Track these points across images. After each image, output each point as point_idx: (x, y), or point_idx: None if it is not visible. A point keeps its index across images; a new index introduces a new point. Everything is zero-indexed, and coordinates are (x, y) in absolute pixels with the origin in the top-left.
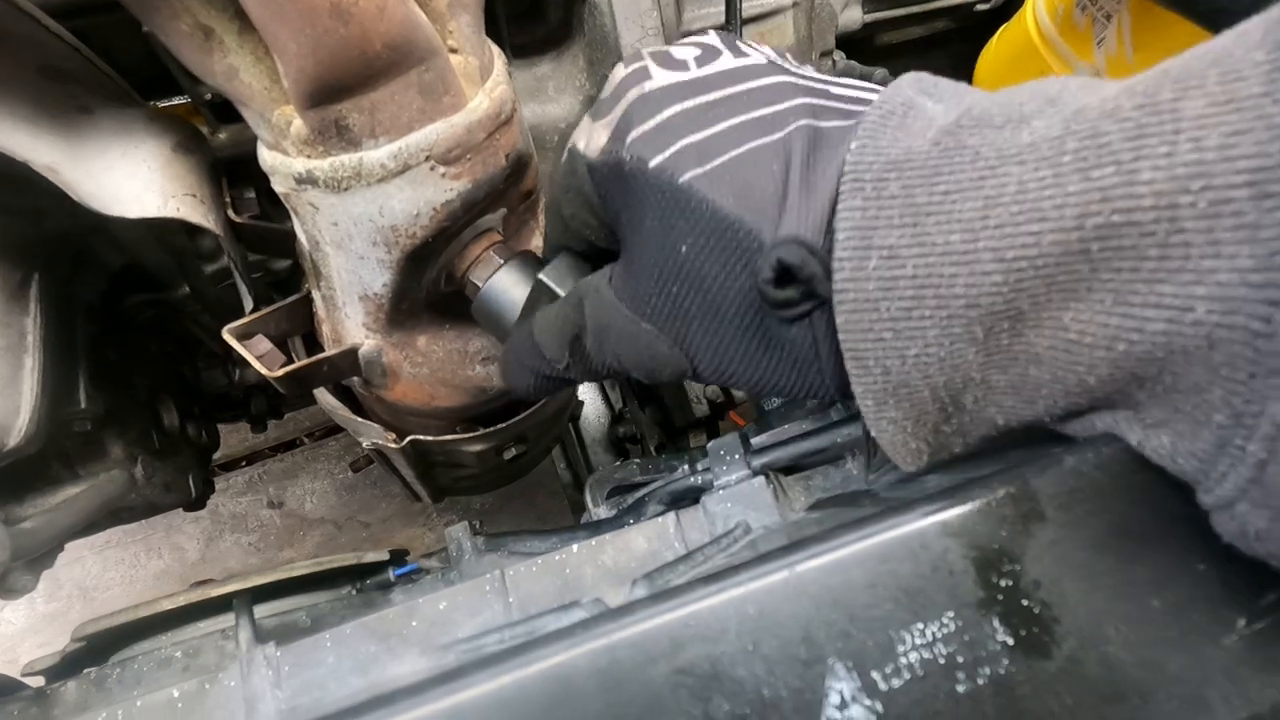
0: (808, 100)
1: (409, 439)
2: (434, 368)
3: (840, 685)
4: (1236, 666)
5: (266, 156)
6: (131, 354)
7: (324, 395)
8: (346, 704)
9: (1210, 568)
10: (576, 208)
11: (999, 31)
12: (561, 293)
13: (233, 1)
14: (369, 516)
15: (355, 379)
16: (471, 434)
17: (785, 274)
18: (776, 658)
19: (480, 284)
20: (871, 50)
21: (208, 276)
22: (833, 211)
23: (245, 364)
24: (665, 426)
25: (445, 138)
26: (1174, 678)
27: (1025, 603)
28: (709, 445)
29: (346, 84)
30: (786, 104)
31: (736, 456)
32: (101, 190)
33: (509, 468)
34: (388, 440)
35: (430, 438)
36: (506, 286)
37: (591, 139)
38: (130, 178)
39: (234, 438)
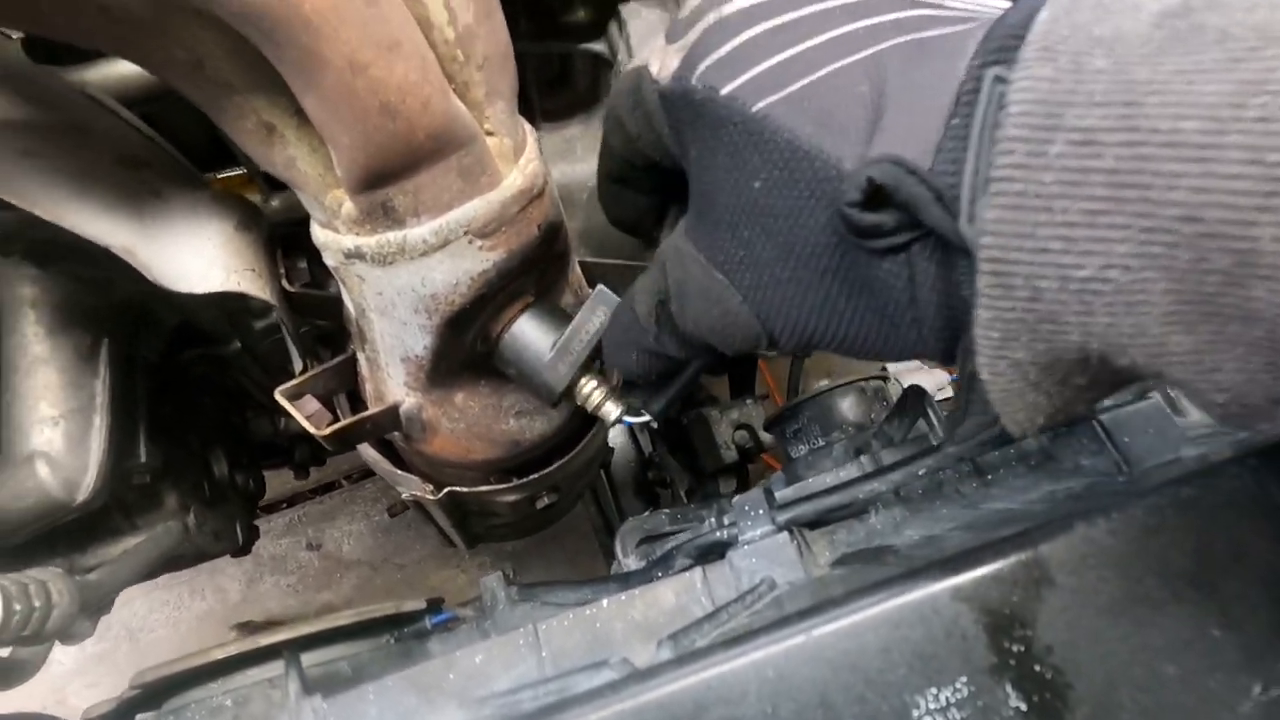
0: (906, 13)
1: (446, 490)
2: (470, 422)
3: None
4: None
5: (319, 234)
6: (185, 407)
7: (366, 448)
8: None
9: (1225, 633)
10: (642, 128)
11: None
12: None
13: (292, 101)
14: (404, 559)
15: (396, 433)
16: (506, 485)
17: (876, 197)
18: None
19: (502, 334)
20: None
21: (257, 332)
22: (947, 127)
23: (287, 413)
24: (694, 471)
25: (482, 214)
26: None
27: (1037, 668)
28: (734, 500)
29: (393, 171)
30: (878, 18)
31: (761, 512)
32: (172, 269)
33: (541, 516)
34: (425, 492)
35: (466, 489)
36: (526, 330)
37: (664, 63)
38: (197, 256)
39: (275, 480)
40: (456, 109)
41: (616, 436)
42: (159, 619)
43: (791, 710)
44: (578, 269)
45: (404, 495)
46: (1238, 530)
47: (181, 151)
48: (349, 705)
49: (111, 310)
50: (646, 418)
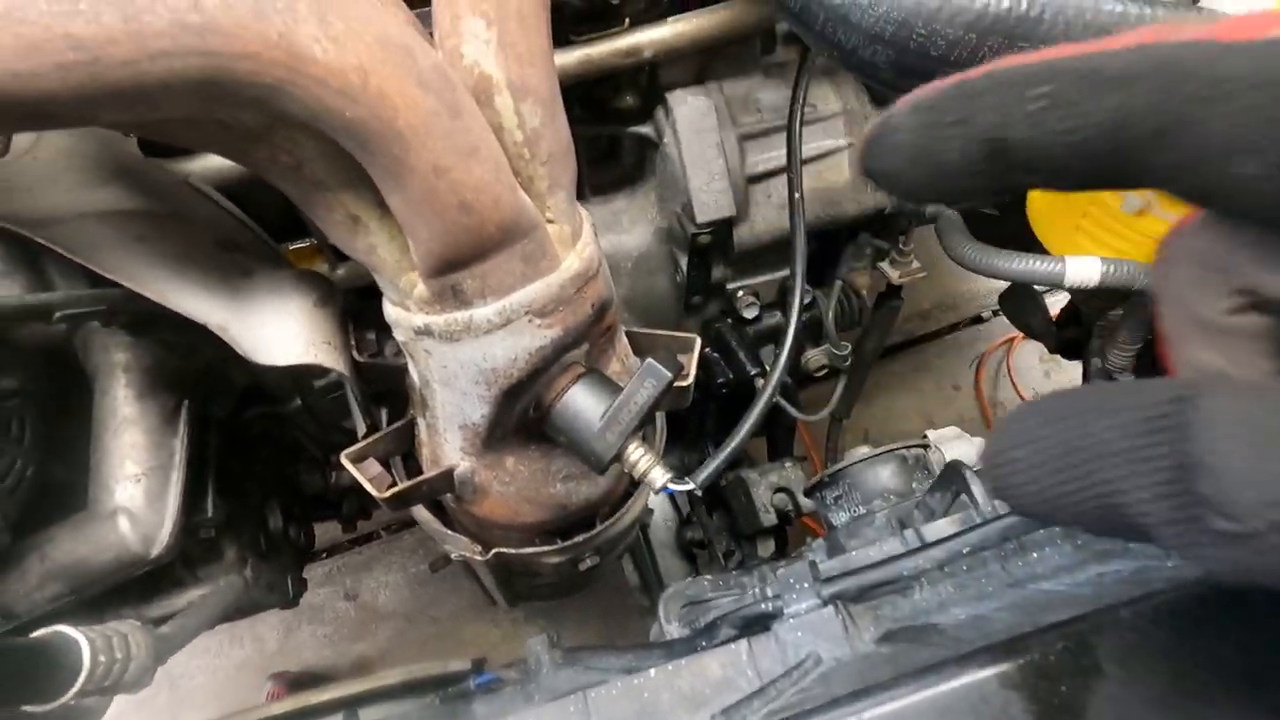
0: None
1: (494, 551)
2: (520, 486)
3: None
4: None
5: (391, 311)
6: (247, 462)
7: (419, 509)
8: None
9: None
10: None
11: None
12: None
13: (376, 196)
14: (439, 611)
15: (448, 494)
16: (551, 547)
17: None
18: None
19: (558, 401)
20: None
21: (317, 391)
22: None
23: (340, 468)
24: (733, 533)
25: (542, 296)
26: None
27: None
28: (779, 571)
29: (465, 259)
30: None
31: (806, 585)
32: (259, 344)
33: (583, 577)
34: (474, 553)
35: (513, 550)
36: (578, 399)
37: None
38: (281, 331)
39: (318, 530)
40: (523, 202)
41: (655, 498)
42: (198, 665)
43: None
44: (624, 339)
45: (452, 555)
46: None
47: (257, 221)
48: None
49: (193, 374)
50: (690, 486)
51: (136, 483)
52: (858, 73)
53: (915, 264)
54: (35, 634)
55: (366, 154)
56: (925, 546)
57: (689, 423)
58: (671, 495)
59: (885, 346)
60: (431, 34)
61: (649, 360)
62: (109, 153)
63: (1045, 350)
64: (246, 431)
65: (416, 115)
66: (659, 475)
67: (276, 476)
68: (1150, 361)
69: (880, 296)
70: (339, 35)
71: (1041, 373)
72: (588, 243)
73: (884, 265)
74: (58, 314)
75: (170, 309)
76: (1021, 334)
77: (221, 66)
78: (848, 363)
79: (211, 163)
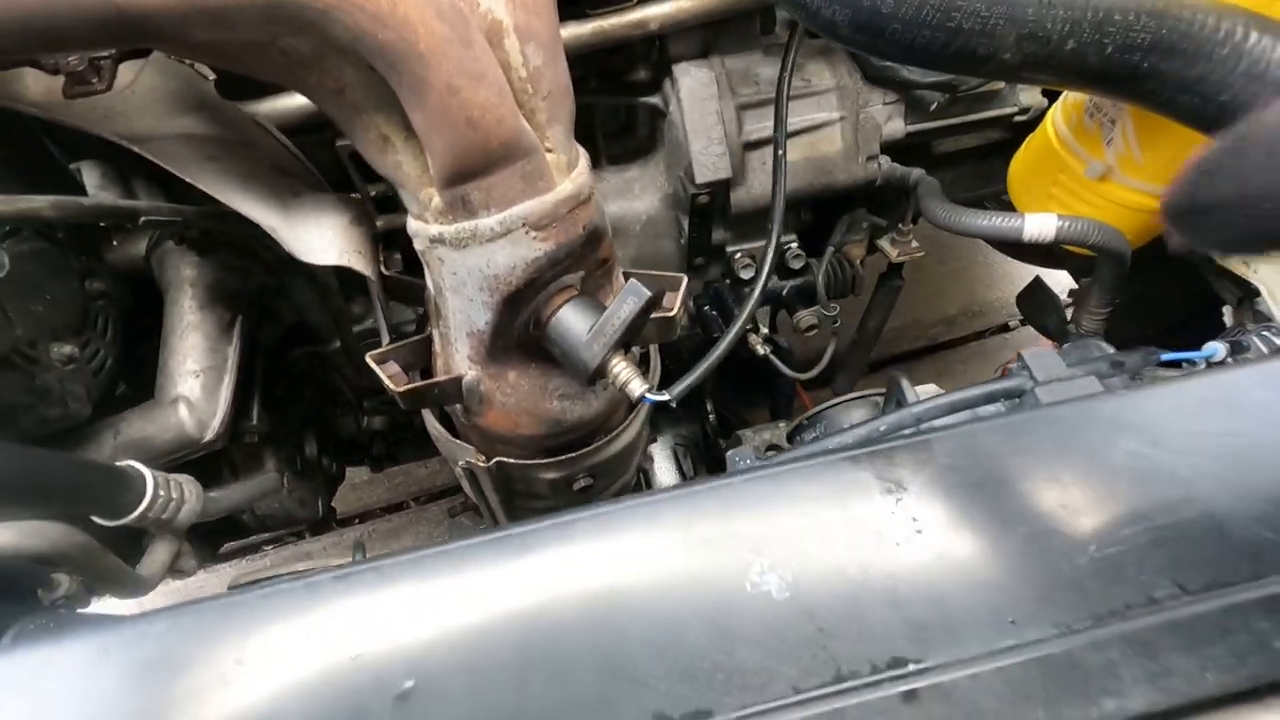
0: None
1: (496, 460)
2: (520, 398)
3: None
4: (1084, 580)
5: (412, 224)
6: (290, 391)
7: (431, 422)
8: None
9: (1067, 511)
10: None
11: (1027, 140)
12: None
13: (403, 120)
14: None
15: (457, 407)
16: (547, 460)
17: None
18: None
19: (550, 318)
20: (929, 158)
21: (355, 335)
22: None
23: (371, 413)
24: None
25: (537, 211)
26: (1026, 579)
27: (913, 519)
28: (729, 453)
29: (472, 171)
30: None
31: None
32: (304, 246)
33: (579, 498)
34: (478, 460)
35: (512, 460)
36: (569, 316)
37: None
38: (321, 239)
39: (351, 496)
40: (523, 127)
41: (659, 458)
42: None
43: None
44: (620, 277)
45: (459, 467)
46: (1089, 441)
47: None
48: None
49: (246, 295)
50: (666, 397)
51: (195, 377)
52: (822, 30)
53: (914, 244)
54: (111, 463)
55: (394, 73)
56: (854, 426)
57: (700, 387)
58: (677, 460)
59: (913, 351)
60: None
61: (631, 280)
62: (190, 90)
63: None
64: (291, 368)
65: (434, 40)
66: (638, 385)
67: (315, 413)
68: (1120, 324)
69: (881, 276)
70: None
71: None
72: (582, 172)
73: (883, 243)
74: (142, 219)
75: (228, 225)
76: (1048, 342)
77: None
78: (836, 323)
79: (275, 105)
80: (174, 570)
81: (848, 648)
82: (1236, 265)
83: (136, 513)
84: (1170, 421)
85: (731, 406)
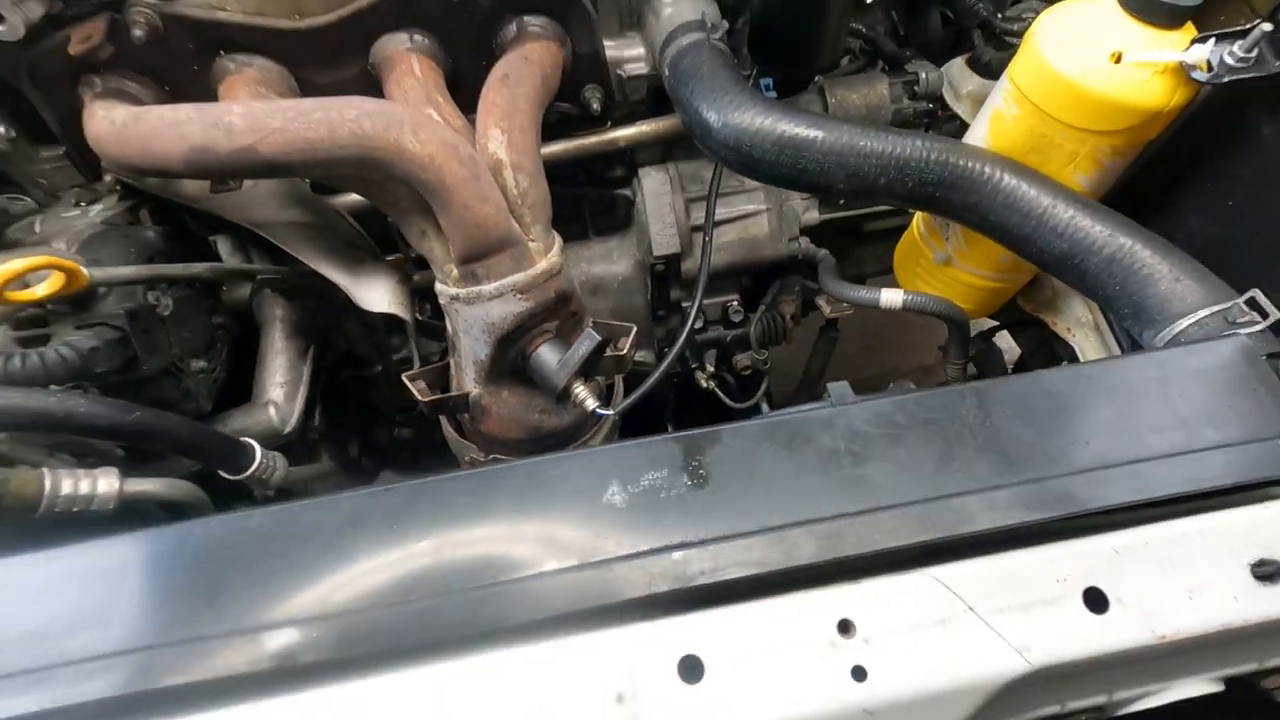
0: None
1: (491, 457)
2: (510, 411)
3: (614, 488)
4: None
5: (438, 287)
6: (339, 405)
7: (446, 428)
8: None
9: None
10: None
11: (905, 232)
12: None
13: (434, 220)
14: None
15: (465, 415)
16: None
17: None
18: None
19: (532, 353)
20: (860, 234)
21: (394, 361)
22: None
23: (399, 425)
24: None
25: (521, 281)
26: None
27: (701, 470)
28: None
29: (478, 255)
30: None
31: None
32: (365, 298)
33: None
34: (479, 456)
35: (504, 456)
36: (544, 352)
37: None
38: (377, 294)
39: None
40: (513, 227)
41: None
42: None
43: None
44: (590, 325)
45: (465, 460)
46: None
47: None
48: None
49: (315, 330)
50: (610, 412)
51: (281, 387)
52: (719, 162)
53: (845, 305)
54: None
55: (430, 195)
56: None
57: (651, 414)
58: None
59: None
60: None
61: (588, 329)
62: (293, 189)
63: None
64: (341, 386)
65: (455, 178)
66: (592, 402)
67: (357, 423)
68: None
69: (820, 329)
70: (423, 140)
71: None
72: (555, 254)
73: (820, 301)
74: (258, 276)
75: (313, 279)
76: None
77: (367, 153)
78: (766, 365)
79: (347, 199)
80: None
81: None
82: (1061, 330)
83: (249, 471)
84: (858, 422)
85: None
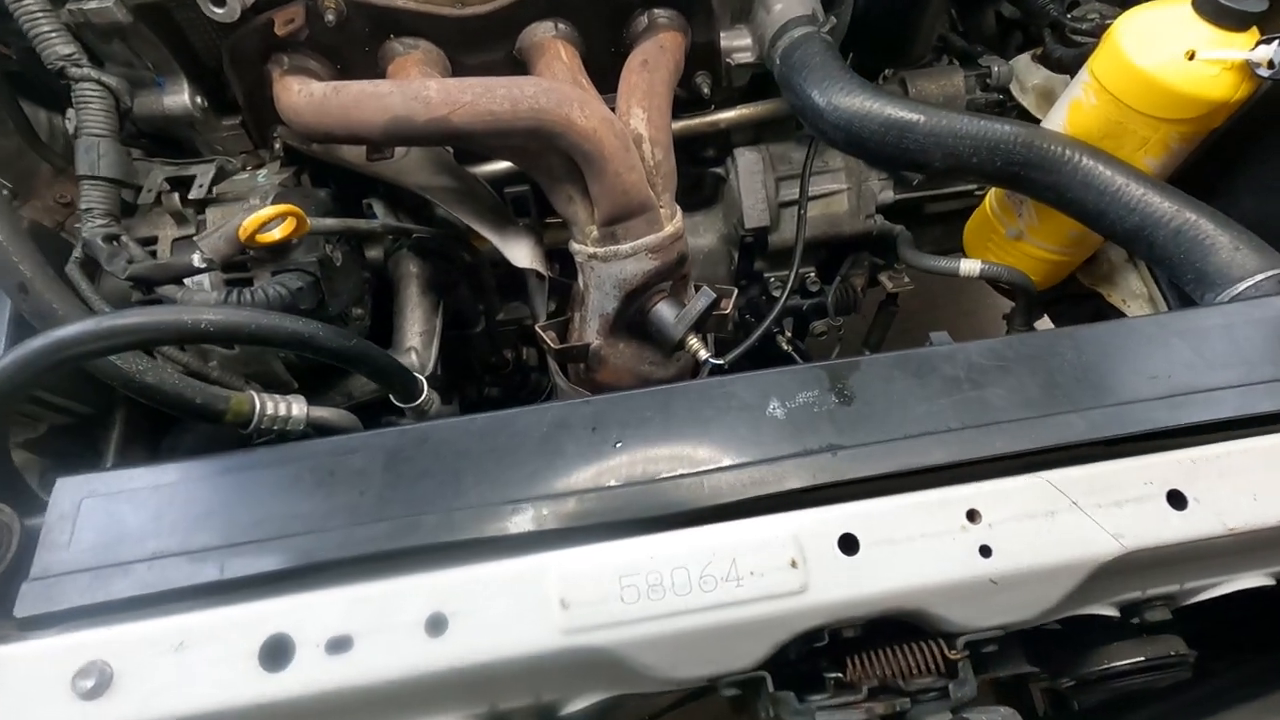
0: None
1: None
2: (625, 361)
3: (774, 404)
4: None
5: (575, 246)
6: (448, 358)
7: (559, 377)
8: None
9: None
10: None
11: (976, 209)
12: None
13: (582, 185)
14: None
15: (582, 364)
16: None
17: None
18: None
19: (653, 309)
20: (922, 216)
21: (496, 322)
22: None
23: (489, 384)
24: None
25: (654, 242)
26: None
27: (846, 391)
28: None
29: (620, 218)
30: None
31: None
32: (512, 254)
33: None
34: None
35: None
36: (663, 307)
37: None
38: (520, 251)
39: None
40: (650, 194)
41: None
42: None
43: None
44: (693, 287)
45: None
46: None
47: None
48: None
49: (447, 284)
50: (722, 361)
51: (419, 336)
52: (827, 143)
53: (906, 279)
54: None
55: (587, 165)
56: None
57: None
58: None
59: None
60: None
61: (704, 287)
62: (439, 157)
63: None
64: (445, 344)
65: (612, 149)
66: (705, 353)
67: (455, 379)
68: None
69: (881, 304)
70: (588, 115)
71: None
72: (678, 220)
73: (882, 278)
74: (414, 234)
75: (446, 240)
76: None
77: (542, 124)
78: (840, 331)
79: (482, 167)
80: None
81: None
82: (1117, 301)
83: (419, 400)
84: (974, 355)
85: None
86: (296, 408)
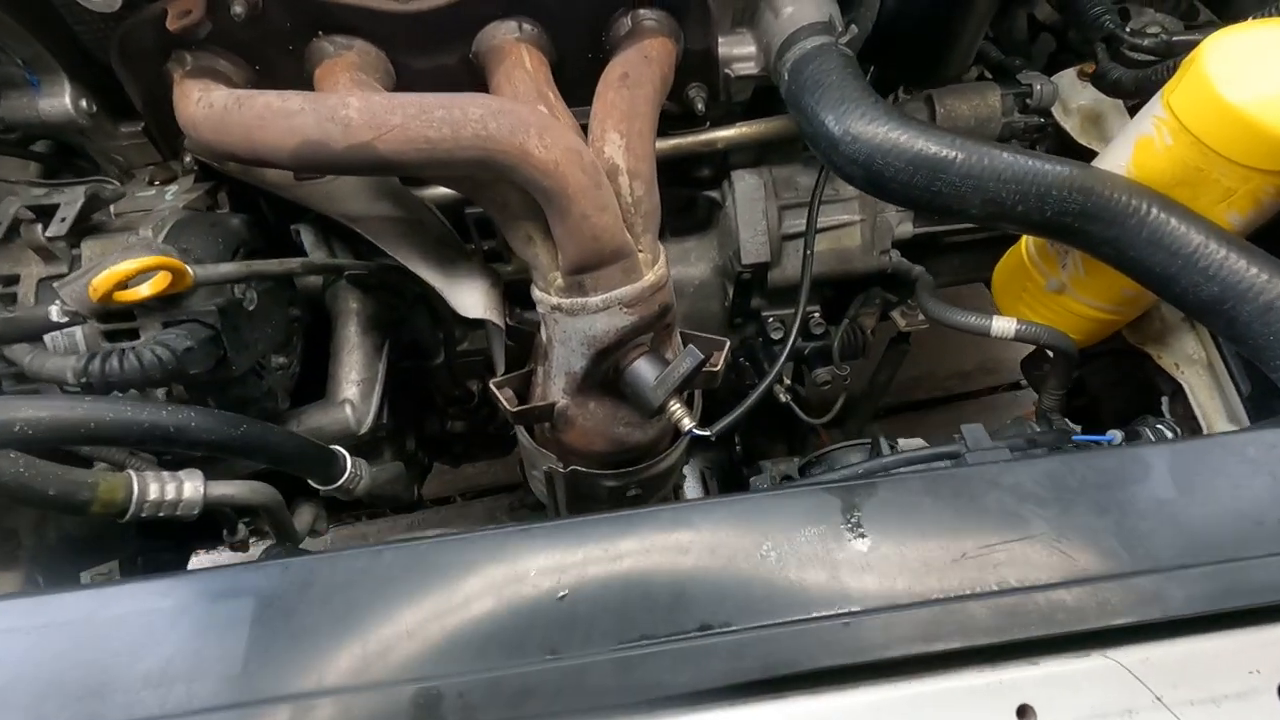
0: None
1: (570, 468)
2: (595, 423)
3: (767, 545)
4: (946, 567)
5: (538, 294)
6: (399, 396)
7: (522, 435)
8: None
9: (949, 532)
10: None
11: (1008, 251)
12: None
13: (543, 225)
14: None
15: (546, 424)
16: (609, 472)
17: None
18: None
19: (628, 367)
20: (939, 246)
21: (457, 354)
22: None
23: (454, 418)
24: None
25: (630, 294)
26: (925, 561)
27: (860, 527)
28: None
29: (589, 266)
30: None
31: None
32: (460, 303)
33: (628, 504)
34: (558, 465)
35: (582, 469)
36: (642, 366)
37: None
38: (471, 298)
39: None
40: (626, 238)
41: (690, 478)
42: None
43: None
44: (678, 336)
45: (541, 469)
46: (974, 490)
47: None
48: None
49: (389, 324)
50: (708, 433)
51: (357, 386)
52: (842, 178)
53: (920, 317)
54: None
55: (548, 204)
56: (833, 469)
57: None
58: (704, 482)
59: (927, 400)
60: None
61: (690, 345)
62: (385, 182)
63: None
64: (402, 376)
65: (578, 186)
66: (688, 423)
67: (413, 414)
68: (1080, 413)
69: (891, 340)
70: (548, 144)
71: None
72: (661, 267)
73: (894, 314)
74: (346, 272)
75: (389, 275)
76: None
77: (490, 156)
78: (846, 381)
79: (436, 192)
80: (312, 531)
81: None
82: (1168, 364)
83: (340, 483)
84: (1028, 482)
85: (756, 440)
86: (190, 487)
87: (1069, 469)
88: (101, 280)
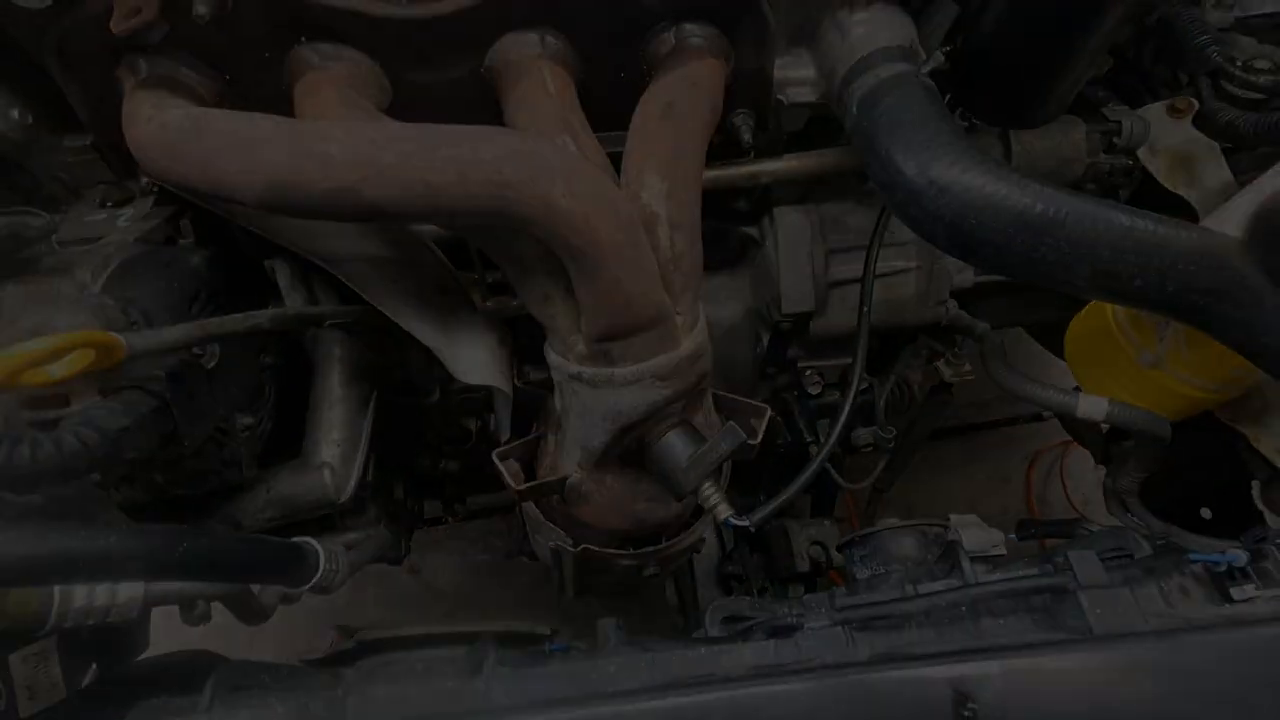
0: None
1: (582, 546)
2: (613, 498)
3: None
4: None
5: (554, 358)
6: (388, 444)
7: (529, 507)
8: None
9: None
10: None
11: (1086, 308)
12: None
13: (564, 283)
14: (488, 602)
15: (554, 497)
16: (626, 551)
17: None
18: None
19: (657, 440)
20: (981, 289)
21: (453, 392)
22: None
23: (448, 457)
24: (769, 573)
25: (665, 366)
26: None
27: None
28: (805, 599)
29: (619, 334)
30: None
31: (824, 609)
32: (461, 367)
33: (642, 583)
34: (566, 544)
35: (595, 548)
36: (674, 442)
37: None
38: (475, 360)
39: None
40: (664, 301)
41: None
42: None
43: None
44: (710, 398)
45: (547, 545)
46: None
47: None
48: (524, 674)
49: (377, 371)
50: (747, 523)
51: (337, 446)
52: (921, 236)
53: (967, 366)
54: (292, 540)
55: (572, 262)
56: (917, 597)
57: (749, 470)
58: (718, 531)
59: (942, 429)
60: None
61: (731, 423)
62: None
63: None
64: (390, 415)
65: (611, 245)
66: (724, 510)
67: (402, 455)
68: (1151, 487)
69: (933, 389)
70: (576, 193)
71: (1095, 480)
72: (701, 330)
73: (940, 364)
74: (327, 321)
75: (374, 318)
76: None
77: (506, 207)
78: (891, 445)
79: (426, 229)
80: (284, 599)
81: None
82: (1267, 448)
83: (312, 583)
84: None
85: (774, 487)
86: (126, 591)
87: (1254, 656)
88: (6, 366)
